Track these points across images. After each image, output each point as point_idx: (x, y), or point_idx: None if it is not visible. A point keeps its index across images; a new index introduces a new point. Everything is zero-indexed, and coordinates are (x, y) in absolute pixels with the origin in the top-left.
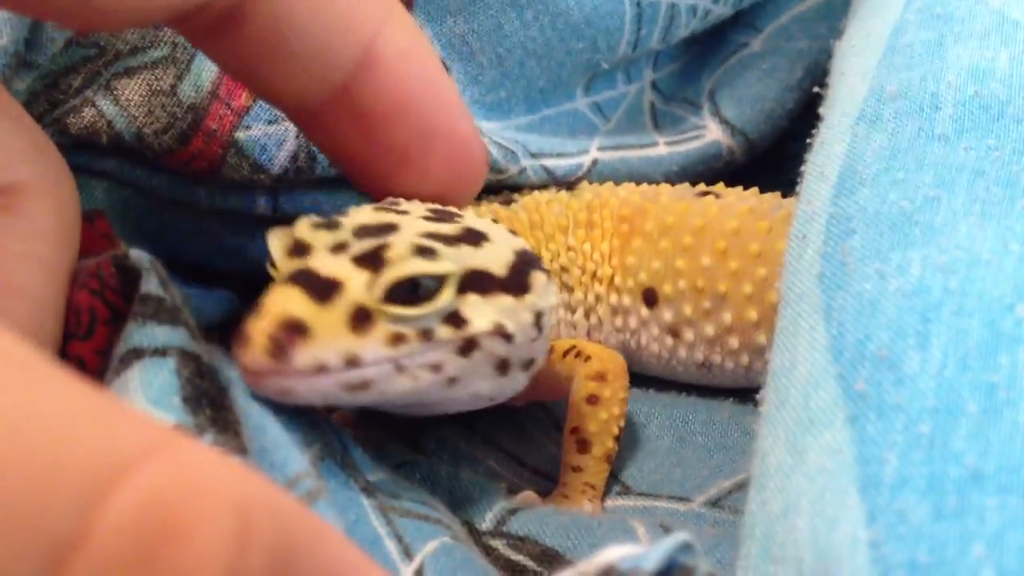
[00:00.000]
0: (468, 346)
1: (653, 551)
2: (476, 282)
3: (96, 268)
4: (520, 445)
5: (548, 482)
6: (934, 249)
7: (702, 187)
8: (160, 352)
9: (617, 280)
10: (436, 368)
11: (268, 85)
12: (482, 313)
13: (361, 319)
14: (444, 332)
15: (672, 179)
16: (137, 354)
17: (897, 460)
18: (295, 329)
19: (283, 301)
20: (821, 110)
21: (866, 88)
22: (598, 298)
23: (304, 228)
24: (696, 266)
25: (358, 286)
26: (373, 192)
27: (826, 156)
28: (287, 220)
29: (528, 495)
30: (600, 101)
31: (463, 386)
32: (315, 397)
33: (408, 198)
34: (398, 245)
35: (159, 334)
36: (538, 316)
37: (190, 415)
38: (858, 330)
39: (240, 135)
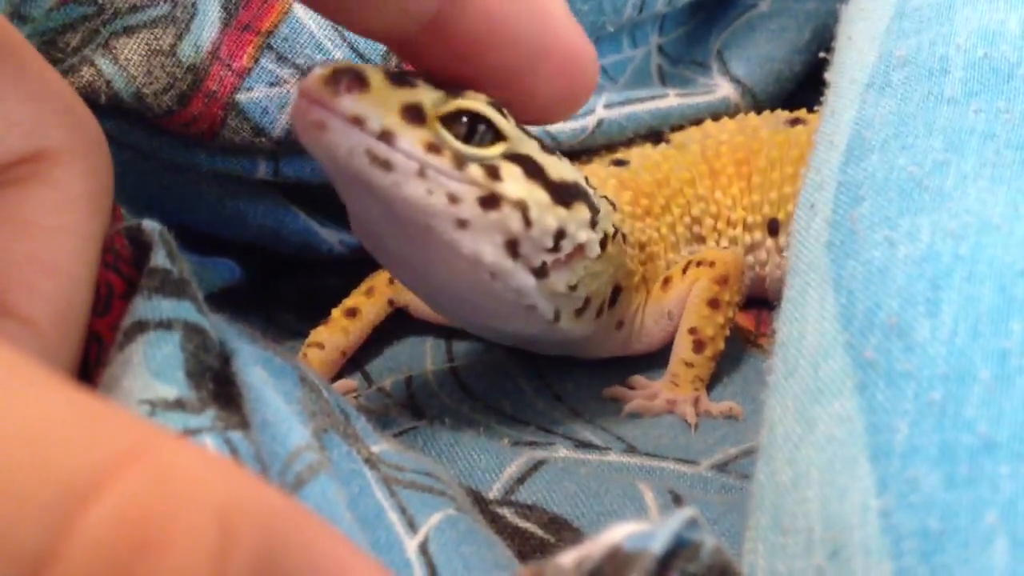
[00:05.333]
0: (489, 201)
1: (660, 531)
2: (526, 163)
3: (109, 241)
4: (522, 411)
5: (552, 435)
6: (944, 214)
7: (788, 114)
8: (165, 325)
9: (748, 219)
10: (453, 199)
11: (352, 19)
12: (518, 183)
13: (414, 114)
14: (476, 171)
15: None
16: (141, 327)
17: (908, 428)
18: (358, 79)
19: (363, 66)
20: (827, 76)
21: (875, 54)
22: (732, 241)
23: None
24: (797, 190)
25: (427, 92)
26: None
27: (835, 124)
28: (289, 186)
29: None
30: (606, 65)
31: (469, 238)
32: (340, 150)
33: (518, 117)
34: (478, 96)
35: (164, 307)
36: (560, 233)
37: (193, 389)
38: (867, 298)
39: (241, 97)
